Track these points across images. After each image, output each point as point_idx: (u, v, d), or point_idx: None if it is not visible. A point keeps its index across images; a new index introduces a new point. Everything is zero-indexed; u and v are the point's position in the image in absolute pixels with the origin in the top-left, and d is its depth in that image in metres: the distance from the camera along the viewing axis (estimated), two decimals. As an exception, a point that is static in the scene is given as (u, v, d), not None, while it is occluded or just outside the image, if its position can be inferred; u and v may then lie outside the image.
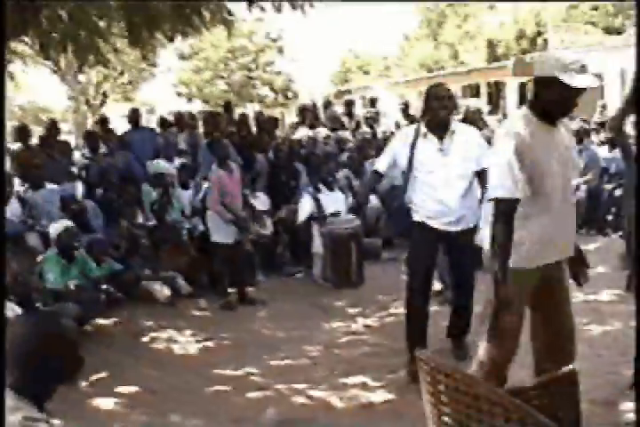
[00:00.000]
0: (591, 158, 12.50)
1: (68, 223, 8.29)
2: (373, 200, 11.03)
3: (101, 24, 9.99)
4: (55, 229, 8.19)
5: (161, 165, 10.34)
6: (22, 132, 11.58)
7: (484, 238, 4.68)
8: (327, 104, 15.60)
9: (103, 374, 6.61)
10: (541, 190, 4.23)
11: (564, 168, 4.32)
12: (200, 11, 9.52)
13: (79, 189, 10.16)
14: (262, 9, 10.16)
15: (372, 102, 15.68)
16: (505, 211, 4.16)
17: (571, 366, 4.07)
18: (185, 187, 10.43)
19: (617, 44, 24.48)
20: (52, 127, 12.07)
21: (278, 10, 9.68)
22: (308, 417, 5.52)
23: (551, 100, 4.16)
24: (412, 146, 6.22)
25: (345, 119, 14.20)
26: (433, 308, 8.06)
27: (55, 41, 9.42)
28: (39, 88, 44.56)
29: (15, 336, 2.70)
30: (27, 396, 2.68)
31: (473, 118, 11.37)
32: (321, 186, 9.92)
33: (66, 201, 9.71)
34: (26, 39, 10.20)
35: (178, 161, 11.04)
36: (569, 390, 4.01)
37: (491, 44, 37.78)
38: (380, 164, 6.57)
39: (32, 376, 2.69)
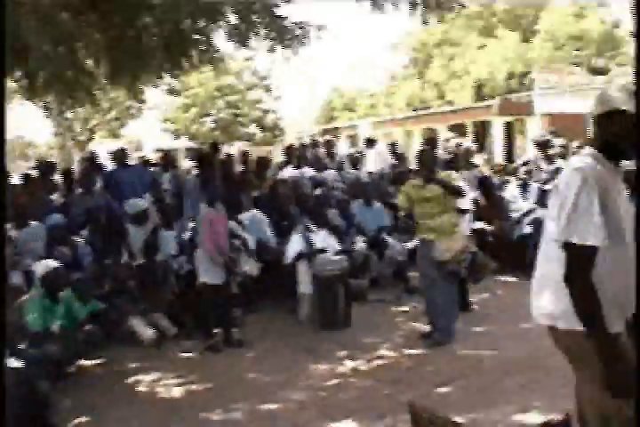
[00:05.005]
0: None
1: (54, 263, 8.17)
2: (360, 241, 11.00)
3: (89, 63, 10.01)
4: (41, 268, 8.06)
5: (140, 203, 10.28)
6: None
7: (543, 306, 3.82)
8: (314, 144, 15.62)
9: (85, 418, 6.52)
10: (618, 240, 3.61)
11: (627, 213, 3.74)
12: (188, 52, 9.53)
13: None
14: (251, 48, 10.20)
15: (371, 143, 15.69)
16: (585, 261, 3.51)
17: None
18: (169, 226, 10.33)
19: (601, 85, 24.68)
20: (46, 167, 12.05)
21: (271, 50, 9.70)
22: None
23: (619, 132, 3.66)
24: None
25: (327, 160, 14.20)
26: (420, 350, 8.07)
27: (42, 80, 9.42)
28: (25, 123, 44.65)
29: None
30: None
31: (465, 157, 11.41)
32: (312, 226, 9.85)
33: (56, 233, 9.69)
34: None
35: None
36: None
37: (477, 84, 38.05)
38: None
39: None
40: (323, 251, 9.57)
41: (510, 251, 11.51)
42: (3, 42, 5.63)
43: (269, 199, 11.20)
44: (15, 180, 12.27)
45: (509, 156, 25.42)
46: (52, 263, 8.18)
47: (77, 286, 8.51)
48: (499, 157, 24.38)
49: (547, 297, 3.74)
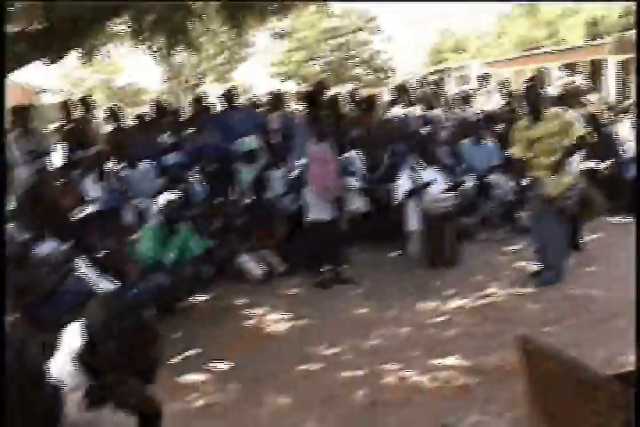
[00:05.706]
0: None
1: (173, 195, 8.36)
2: (469, 180, 10.87)
3: (196, 6, 10.03)
4: (161, 200, 8.28)
5: (250, 142, 10.36)
6: (113, 114, 11.76)
7: None
8: (423, 83, 15.46)
9: (195, 351, 6.68)
10: None
11: None
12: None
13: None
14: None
15: (482, 81, 15.42)
16: None
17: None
18: (277, 165, 10.39)
19: None
20: (158, 109, 12.24)
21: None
22: (399, 399, 5.45)
23: None
24: None
25: (435, 99, 14.02)
26: (529, 289, 7.98)
27: (149, 23, 9.48)
28: (137, 70, 45.35)
29: (100, 320, 2.65)
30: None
31: (575, 95, 11.10)
32: (420, 165, 9.76)
33: (171, 172, 9.91)
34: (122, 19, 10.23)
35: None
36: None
37: (591, 22, 36.89)
38: None
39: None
40: (430, 184, 9.48)
41: (623, 191, 11.20)
42: (2, 42, 5.69)
43: (377, 138, 11.13)
44: (129, 122, 12.50)
45: (624, 95, 24.67)
46: (172, 196, 8.36)
47: (194, 222, 8.68)
48: (613, 96, 23.70)
49: None
